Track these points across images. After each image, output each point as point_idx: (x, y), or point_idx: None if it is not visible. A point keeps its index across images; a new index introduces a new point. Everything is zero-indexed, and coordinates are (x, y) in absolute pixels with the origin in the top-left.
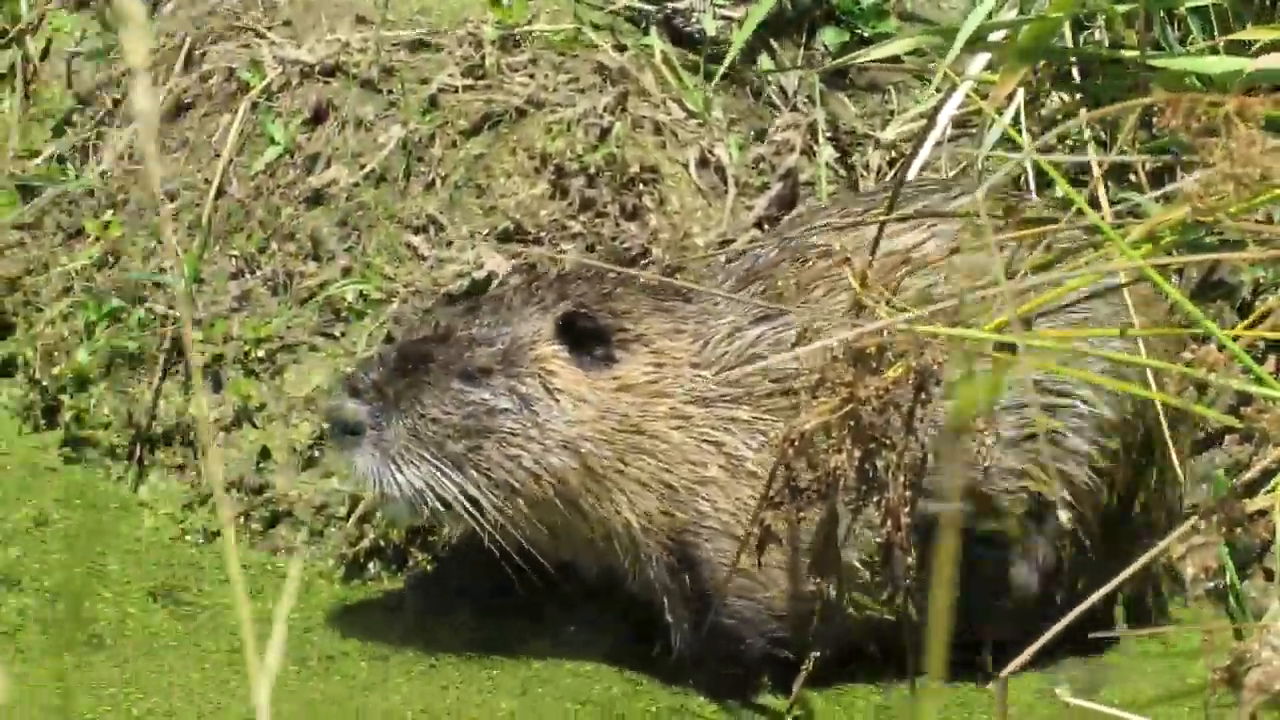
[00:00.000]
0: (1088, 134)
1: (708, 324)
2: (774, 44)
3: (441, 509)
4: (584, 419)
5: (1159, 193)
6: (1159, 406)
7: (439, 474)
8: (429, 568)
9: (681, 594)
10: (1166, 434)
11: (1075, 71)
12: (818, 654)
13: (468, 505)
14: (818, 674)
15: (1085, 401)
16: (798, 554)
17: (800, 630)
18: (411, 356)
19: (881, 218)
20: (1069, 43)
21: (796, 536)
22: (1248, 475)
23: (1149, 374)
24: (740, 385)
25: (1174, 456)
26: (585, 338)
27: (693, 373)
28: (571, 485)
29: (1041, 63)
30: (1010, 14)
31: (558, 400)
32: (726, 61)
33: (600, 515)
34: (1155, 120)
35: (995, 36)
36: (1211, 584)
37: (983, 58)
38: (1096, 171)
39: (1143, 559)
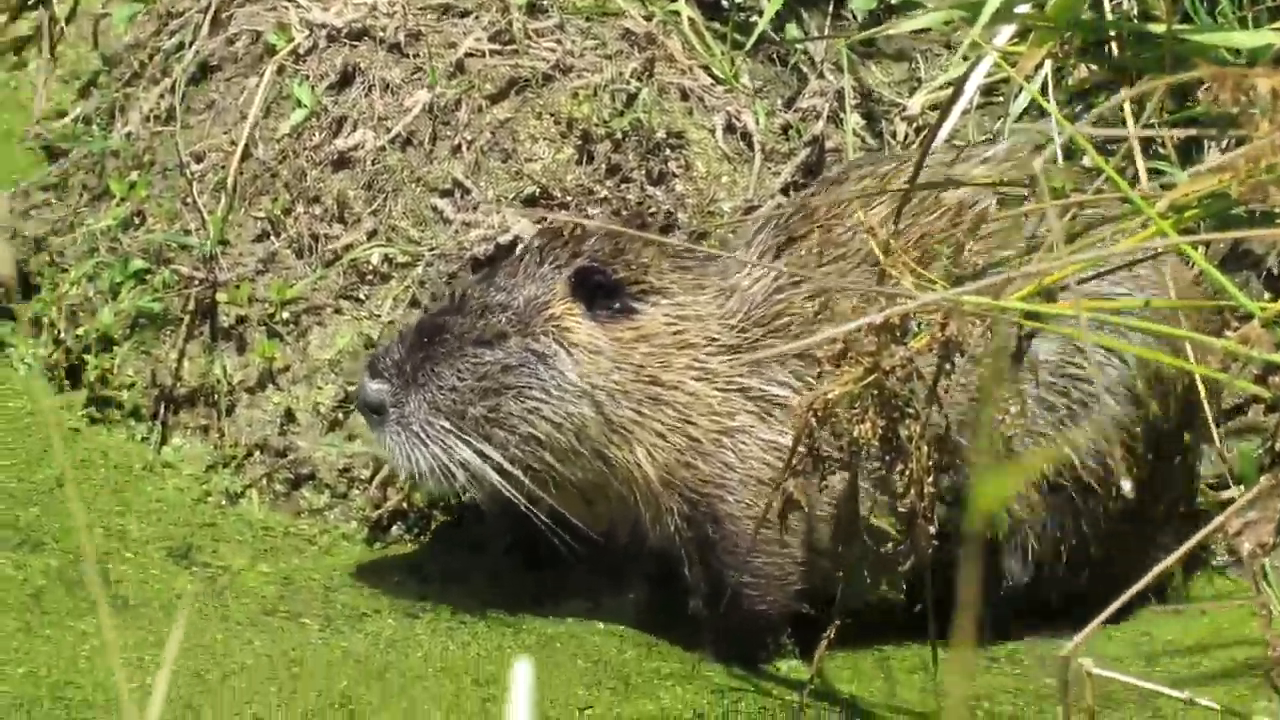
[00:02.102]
0: (1128, 108)
1: (733, 277)
2: (802, 11)
3: (470, 478)
4: (600, 370)
5: (1209, 164)
6: (1197, 378)
7: (461, 443)
8: (452, 531)
9: (701, 551)
10: (1205, 405)
11: (1113, 46)
12: (839, 622)
13: (494, 471)
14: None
15: (1108, 367)
16: (818, 512)
17: (823, 582)
18: (428, 330)
19: (905, 187)
20: (1098, 13)
21: (816, 496)
22: None
23: (1182, 346)
24: (771, 325)
25: (1211, 429)
26: (600, 292)
27: (718, 325)
28: (591, 434)
29: (1069, 33)
30: None
31: (572, 354)
32: (756, 32)
33: (623, 466)
34: (1198, 94)
35: (1023, 8)
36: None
37: (1010, 28)
38: (1136, 147)
39: (1199, 534)
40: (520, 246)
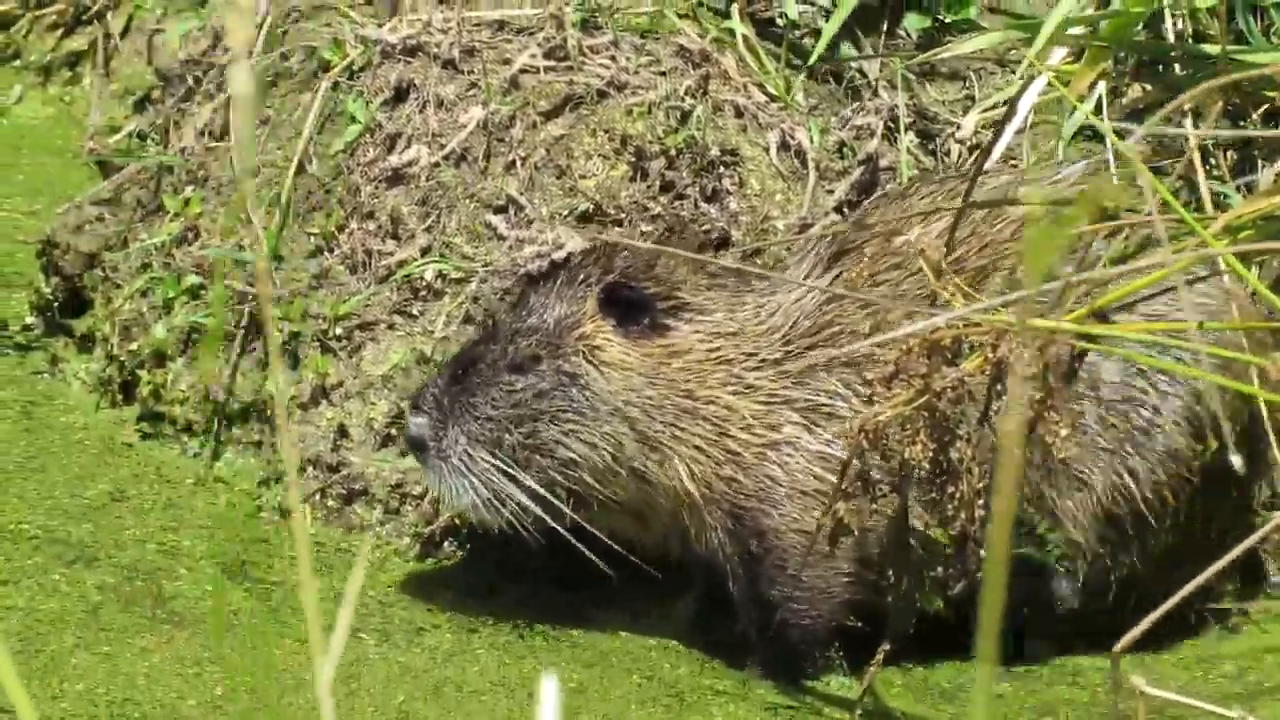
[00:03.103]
0: (1190, 130)
1: (779, 291)
2: (856, 29)
3: (514, 507)
4: (632, 386)
5: (1264, 185)
6: (1261, 402)
7: (500, 472)
8: (505, 547)
9: (745, 566)
10: (1268, 426)
11: (1167, 67)
12: (887, 647)
13: (532, 498)
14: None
15: (1171, 396)
16: (865, 524)
17: (872, 595)
18: (464, 361)
19: (959, 205)
20: (1151, 32)
21: (865, 510)
22: None
23: (1240, 369)
24: (821, 336)
25: (1276, 449)
26: (631, 308)
27: (759, 339)
28: (628, 452)
29: (1123, 54)
30: (1090, 8)
31: (603, 373)
32: (816, 53)
33: (664, 482)
34: (1253, 113)
35: (1076, 30)
36: None
37: (1063, 49)
38: (1200, 169)
39: (1247, 541)
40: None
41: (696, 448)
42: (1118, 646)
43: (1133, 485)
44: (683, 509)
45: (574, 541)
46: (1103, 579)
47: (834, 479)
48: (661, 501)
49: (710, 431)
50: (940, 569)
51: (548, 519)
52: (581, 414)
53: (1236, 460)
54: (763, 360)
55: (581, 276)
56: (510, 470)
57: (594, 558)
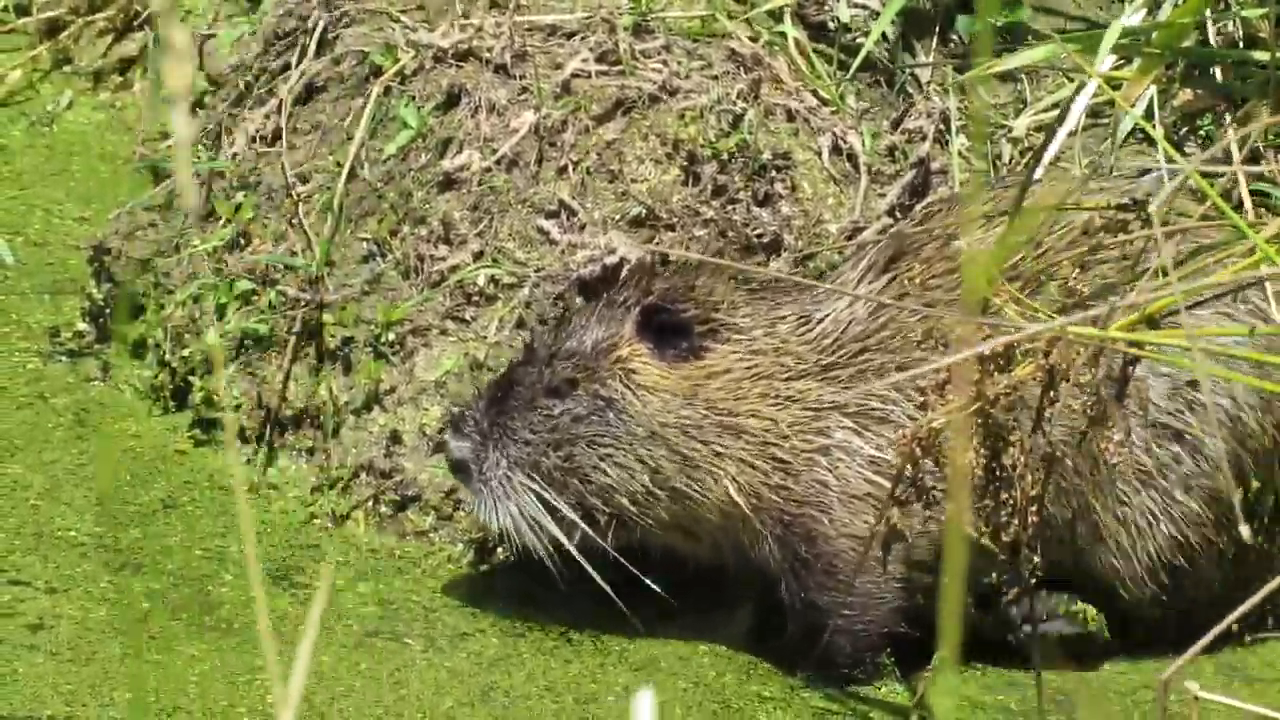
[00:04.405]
0: (1232, 134)
1: (822, 300)
2: (908, 33)
3: (553, 531)
4: (669, 410)
5: None
6: None
7: (538, 496)
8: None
9: (795, 572)
10: None
11: (1217, 72)
12: (943, 654)
13: (576, 519)
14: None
15: (1225, 410)
16: (916, 527)
17: (924, 600)
18: (503, 385)
19: (1010, 210)
20: (1201, 36)
21: (917, 515)
22: None
23: None
24: (874, 339)
25: None
26: (669, 331)
27: (800, 351)
28: (668, 474)
29: (1173, 59)
30: (1140, 14)
31: (639, 397)
32: (862, 53)
33: (711, 499)
34: None
35: (1131, 20)
36: None
37: (1113, 56)
38: (1241, 176)
39: None
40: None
41: (741, 461)
42: (1165, 674)
43: (1181, 495)
44: (731, 521)
45: (623, 561)
46: (1156, 590)
47: (886, 483)
48: (708, 516)
49: (754, 444)
50: (994, 576)
51: (595, 536)
52: (617, 438)
53: (1245, 530)
54: (805, 371)
55: (620, 299)
56: (547, 495)
57: (641, 575)
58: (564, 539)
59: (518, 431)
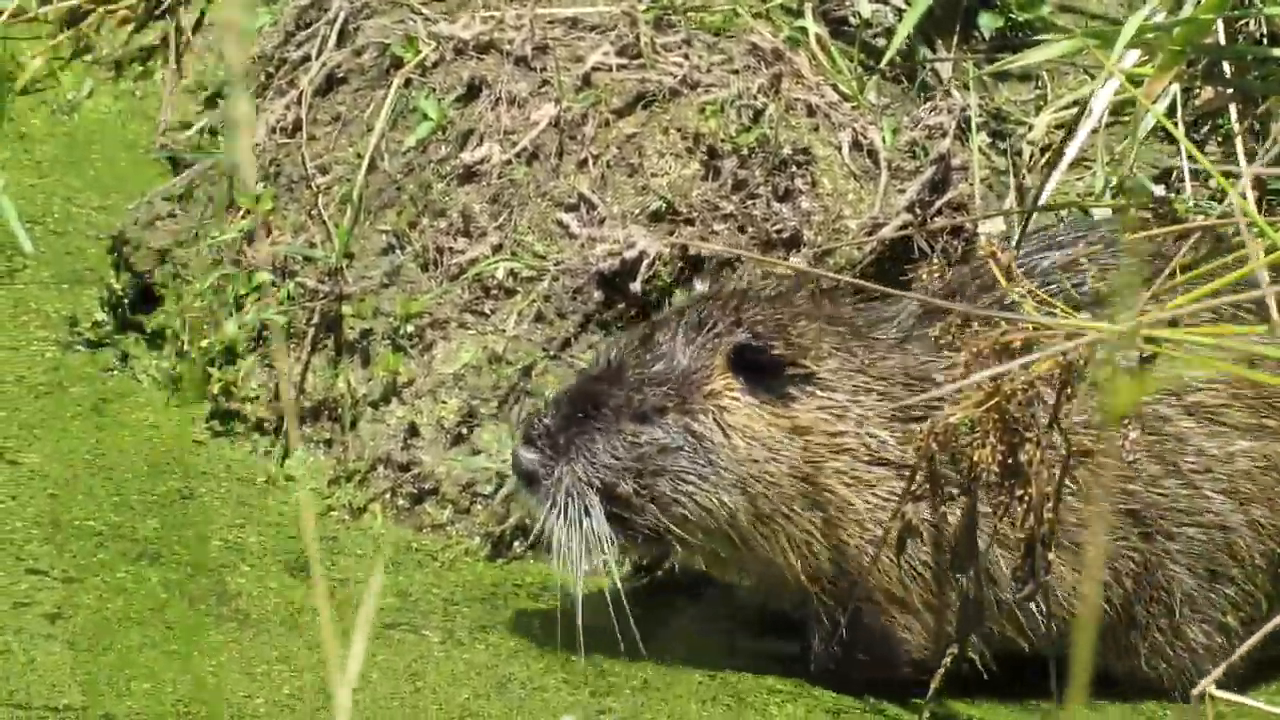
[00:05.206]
0: (1237, 128)
1: (896, 371)
2: (929, 29)
3: (608, 554)
4: (756, 459)
5: None
6: None
7: (604, 519)
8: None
9: (830, 617)
10: None
11: (1226, 66)
12: (955, 651)
13: (640, 536)
14: (963, 686)
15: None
16: (944, 584)
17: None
18: (584, 400)
19: (1027, 208)
20: (1223, 33)
21: (943, 552)
22: None
23: None
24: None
25: None
26: (759, 369)
27: (878, 429)
28: (741, 524)
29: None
30: (1161, 13)
31: (730, 438)
32: (890, 52)
33: (770, 558)
34: None
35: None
36: None
37: (1135, 53)
38: (1246, 171)
39: None
40: (680, 304)
41: (807, 532)
42: (1196, 689)
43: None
44: (784, 576)
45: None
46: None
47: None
48: (764, 567)
49: (821, 522)
50: (1009, 574)
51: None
52: (704, 478)
53: None
54: (882, 459)
55: (711, 324)
56: (623, 516)
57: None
58: (614, 566)
59: (598, 455)
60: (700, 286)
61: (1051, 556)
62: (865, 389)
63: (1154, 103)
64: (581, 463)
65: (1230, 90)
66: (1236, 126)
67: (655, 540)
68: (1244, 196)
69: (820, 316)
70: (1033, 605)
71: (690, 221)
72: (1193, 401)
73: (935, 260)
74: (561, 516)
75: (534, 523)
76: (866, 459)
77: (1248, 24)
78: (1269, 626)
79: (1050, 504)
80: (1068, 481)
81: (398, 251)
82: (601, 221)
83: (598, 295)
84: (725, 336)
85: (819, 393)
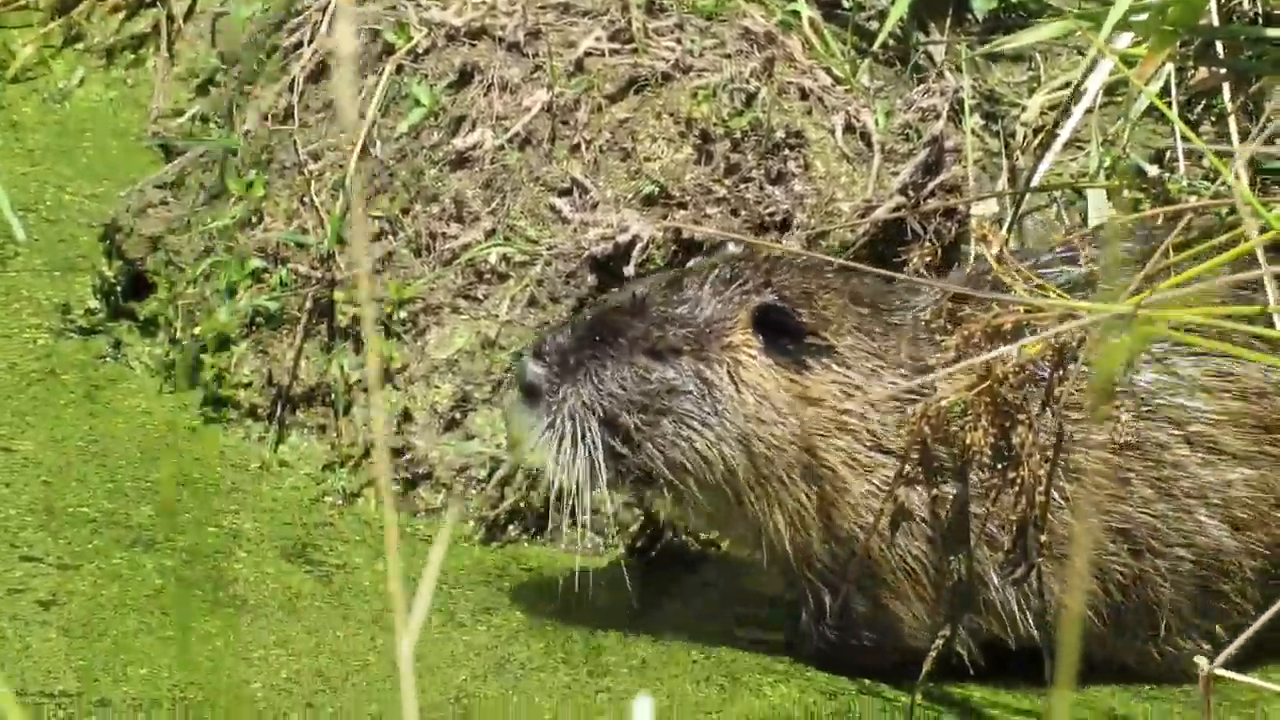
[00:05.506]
0: (1231, 108)
1: (909, 362)
2: (922, 12)
3: (602, 485)
4: (763, 418)
5: None
6: None
7: (601, 446)
8: (569, 528)
9: (818, 597)
10: None
11: (1220, 47)
12: (947, 634)
13: (631, 475)
14: (955, 670)
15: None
16: (937, 570)
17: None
18: (602, 327)
19: (1019, 189)
20: (1216, 13)
21: (936, 537)
22: None
23: None
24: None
25: None
26: (781, 331)
27: (885, 419)
28: (739, 480)
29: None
30: None
31: (740, 392)
32: (883, 35)
33: (759, 520)
34: None
35: (1141, 16)
36: None
37: (1129, 34)
38: (1240, 151)
39: None
40: (718, 255)
41: (800, 503)
42: (1206, 669)
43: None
44: (774, 540)
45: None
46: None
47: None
48: (756, 528)
49: (816, 497)
50: (1001, 555)
51: (636, 493)
52: (709, 426)
53: None
54: (884, 448)
55: (742, 280)
56: (619, 449)
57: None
58: (608, 498)
59: (606, 382)
60: (733, 248)
61: (1042, 564)
62: (878, 373)
63: (1147, 83)
64: (589, 387)
65: (1224, 70)
66: (1230, 106)
67: (644, 483)
68: (1237, 177)
69: (846, 292)
70: (1023, 602)
71: (683, 205)
72: (1192, 431)
73: (928, 243)
74: (555, 437)
75: (527, 438)
76: (869, 444)
77: (1241, 3)
78: (1273, 610)
79: (1042, 487)
80: (1057, 496)
81: (390, 237)
82: (594, 206)
83: (591, 279)
84: (753, 295)
85: (834, 367)
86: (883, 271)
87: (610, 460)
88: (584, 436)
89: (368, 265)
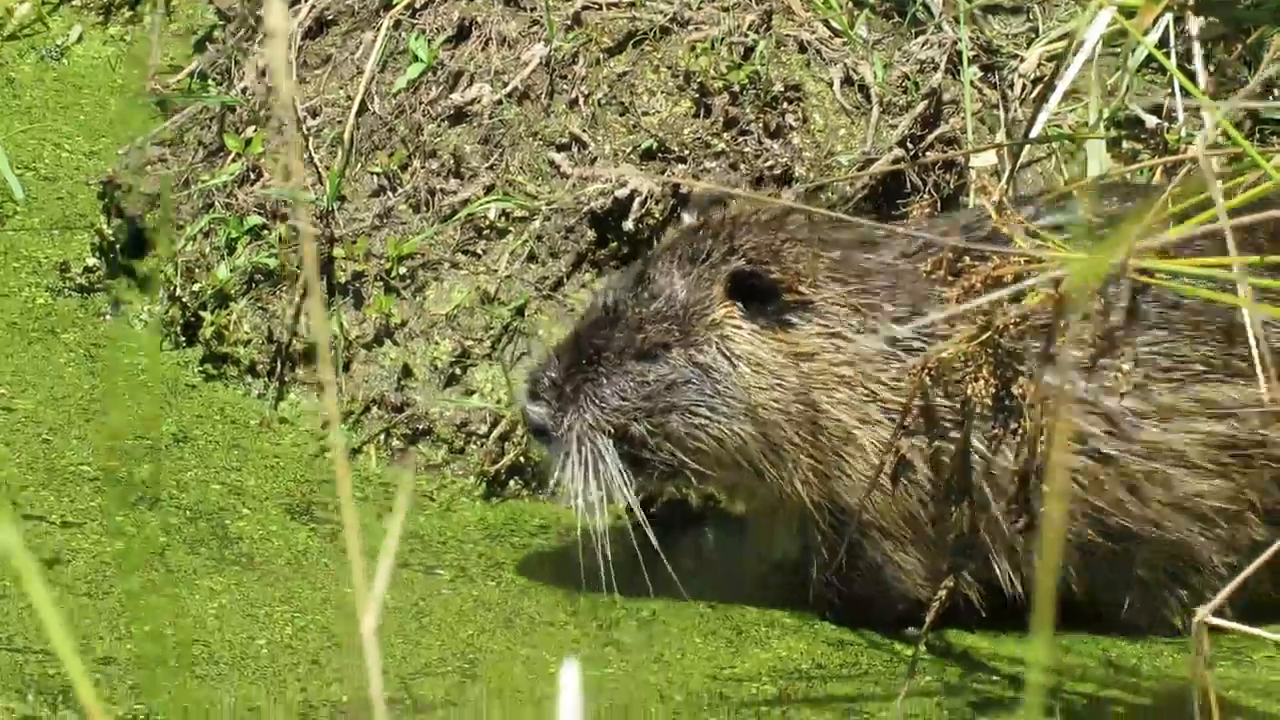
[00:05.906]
0: (1229, 58)
1: (892, 300)
2: None
3: (629, 496)
4: (763, 386)
5: None
6: None
7: (620, 460)
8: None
9: (831, 549)
10: None
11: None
12: (951, 585)
13: (658, 473)
14: (959, 620)
15: None
16: (941, 520)
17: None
18: (585, 347)
19: (1018, 141)
20: None
21: (939, 487)
22: None
23: None
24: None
25: None
26: (758, 295)
27: (878, 366)
28: (751, 452)
29: None
30: None
31: (736, 366)
32: None
33: (777, 483)
34: None
35: None
36: None
37: None
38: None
39: None
40: (673, 232)
41: (812, 458)
42: (1199, 615)
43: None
44: (790, 501)
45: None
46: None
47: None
48: (773, 492)
49: (828, 450)
50: (1004, 506)
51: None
52: (714, 409)
53: None
54: (883, 400)
55: (706, 255)
56: (640, 455)
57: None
58: (636, 505)
59: (607, 399)
60: (688, 219)
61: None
62: (855, 309)
63: (1145, 34)
64: (591, 409)
65: (1222, 20)
66: (1228, 57)
67: (671, 475)
68: (1236, 127)
69: (814, 241)
70: (1024, 550)
71: (682, 159)
72: (1165, 445)
73: (927, 195)
74: (577, 464)
75: (548, 471)
76: (864, 394)
77: None
78: (1268, 553)
79: (1043, 436)
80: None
81: (389, 193)
82: (593, 160)
83: (590, 234)
84: (721, 266)
85: (818, 319)
86: (845, 216)
87: (634, 468)
88: (602, 457)
89: (367, 221)
